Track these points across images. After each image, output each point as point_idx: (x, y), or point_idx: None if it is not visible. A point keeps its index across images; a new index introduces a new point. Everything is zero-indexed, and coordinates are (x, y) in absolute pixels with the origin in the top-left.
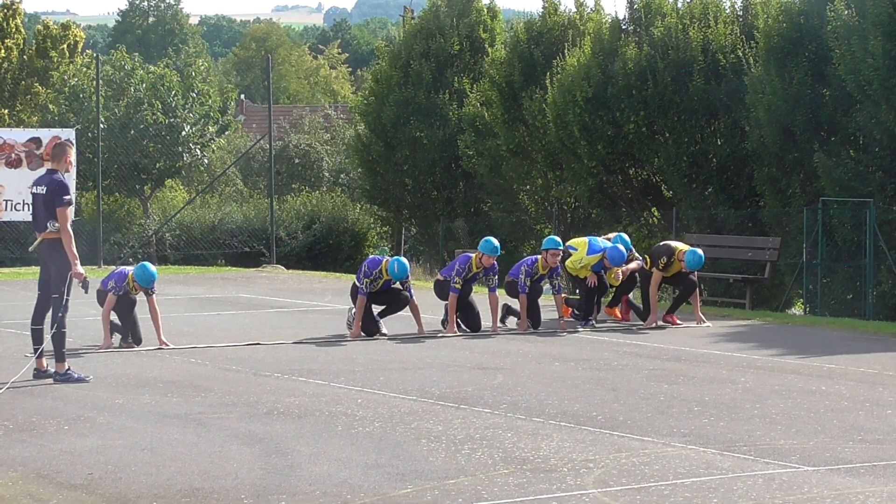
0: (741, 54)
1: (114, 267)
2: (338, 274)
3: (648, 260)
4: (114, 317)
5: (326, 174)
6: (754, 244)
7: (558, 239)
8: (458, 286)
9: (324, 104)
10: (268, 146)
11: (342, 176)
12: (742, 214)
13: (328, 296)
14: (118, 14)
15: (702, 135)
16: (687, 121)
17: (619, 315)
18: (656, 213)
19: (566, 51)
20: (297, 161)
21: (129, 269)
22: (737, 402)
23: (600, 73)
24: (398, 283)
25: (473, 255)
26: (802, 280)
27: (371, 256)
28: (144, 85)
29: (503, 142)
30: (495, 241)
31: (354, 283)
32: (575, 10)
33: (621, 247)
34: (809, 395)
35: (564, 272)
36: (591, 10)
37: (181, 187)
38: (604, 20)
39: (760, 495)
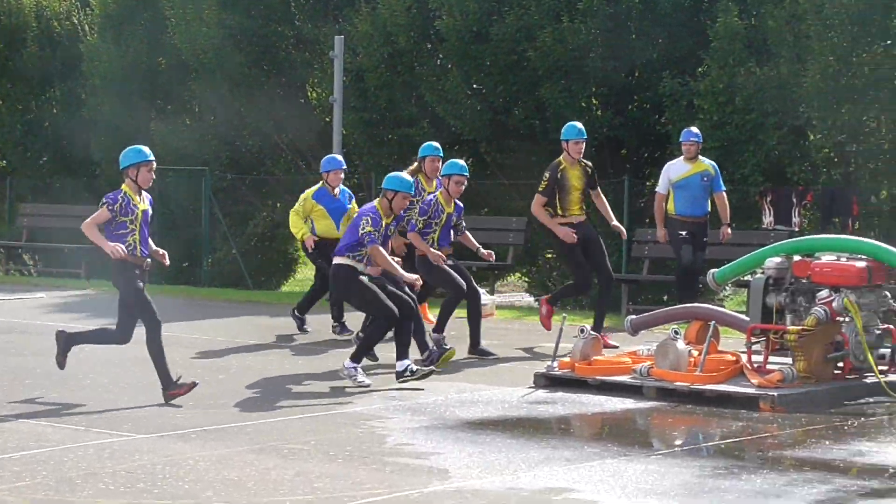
0: (77, 21)
1: None
2: None
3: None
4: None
5: None
6: (76, 212)
7: (462, 162)
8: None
9: None
10: None
11: None
12: (79, 183)
13: None
14: None
15: (36, 103)
16: (21, 88)
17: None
18: None
19: None
20: None
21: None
22: (69, 373)
23: None
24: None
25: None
26: None
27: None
28: None
29: None
30: (436, 144)
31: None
32: None
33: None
34: (142, 363)
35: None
36: None
37: None
38: None
39: (91, 465)
